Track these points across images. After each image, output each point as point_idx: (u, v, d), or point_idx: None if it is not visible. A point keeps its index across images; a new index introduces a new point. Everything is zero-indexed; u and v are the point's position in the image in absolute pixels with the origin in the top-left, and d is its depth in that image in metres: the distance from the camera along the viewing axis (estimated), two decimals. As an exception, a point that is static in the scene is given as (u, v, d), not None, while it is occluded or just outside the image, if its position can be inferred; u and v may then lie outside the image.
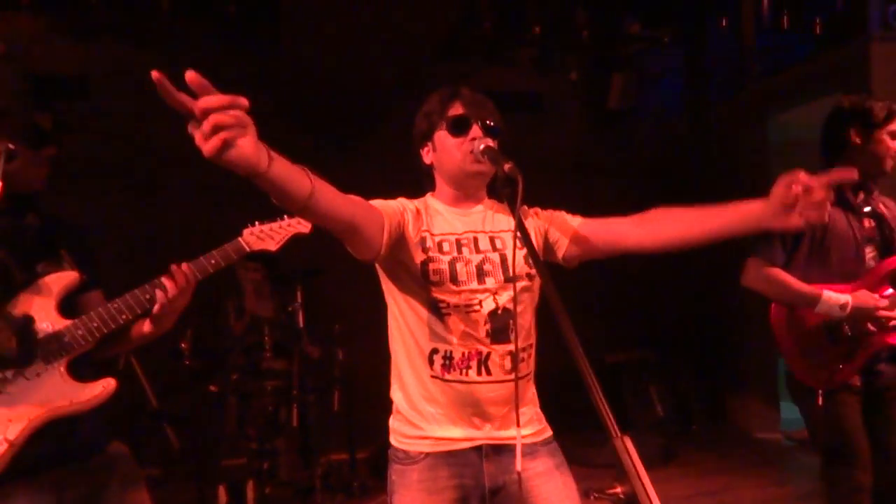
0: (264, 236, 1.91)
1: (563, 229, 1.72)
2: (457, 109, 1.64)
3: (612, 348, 5.41)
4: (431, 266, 1.57)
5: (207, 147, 1.02)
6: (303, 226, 1.98)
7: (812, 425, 2.40)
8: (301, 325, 4.00)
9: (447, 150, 1.64)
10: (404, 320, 1.62)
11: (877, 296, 2.32)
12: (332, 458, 4.41)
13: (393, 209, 1.57)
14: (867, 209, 2.41)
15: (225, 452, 3.91)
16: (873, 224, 2.41)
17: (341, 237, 1.45)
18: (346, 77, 4.66)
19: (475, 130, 1.61)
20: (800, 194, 1.41)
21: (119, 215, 4.85)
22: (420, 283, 1.57)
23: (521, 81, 5.89)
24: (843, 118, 2.43)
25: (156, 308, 1.70)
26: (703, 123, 6.17)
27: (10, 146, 1.50)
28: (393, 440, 1.66)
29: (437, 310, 1.56)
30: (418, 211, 1.64)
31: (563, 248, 1.71)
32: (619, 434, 1.07)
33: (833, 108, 2.49)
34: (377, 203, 1.56)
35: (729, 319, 5.82)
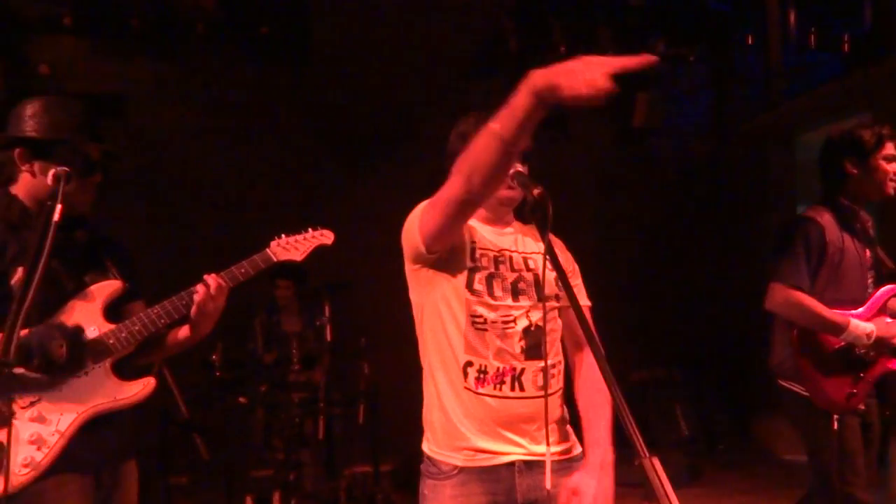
0: (290, 247, 2.01)
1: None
2: None
3: (637, 366, 5.40)
4: (476, 275, 1.61)
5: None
6: (326, 237, 2.08)
7: (817, 447, 2.40)
8: (328, 338, 4.07)
9: None
10: (441, 328, 1.63)
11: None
12: (356, 471, 4.45)
13: None
14: (867, 237, 2.46)
15: (253, 463, 3.98)
16: (869, 252, 2.45)
17: (458, 208, 1.47)
18: (373, 95, 4.77)
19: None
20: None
21: (153, 228, 5.00)
22: (460, 292, 1.60)
23: (545, 99, 5.94)
24: (836, 150, 2.47)
25: (193, 311, 1.80)
26: (729, 142, 6.16)
27: (67, 169, 1.61)
28: (426, 448, 1.67)
29: (473, 323, 1.59)
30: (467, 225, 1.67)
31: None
32: (647, 454, 1.09)
33: (825, 140, 2.53)
34: None
35: (756, 339, 5.74)
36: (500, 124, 1.36)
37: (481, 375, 1.58)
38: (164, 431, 3.75)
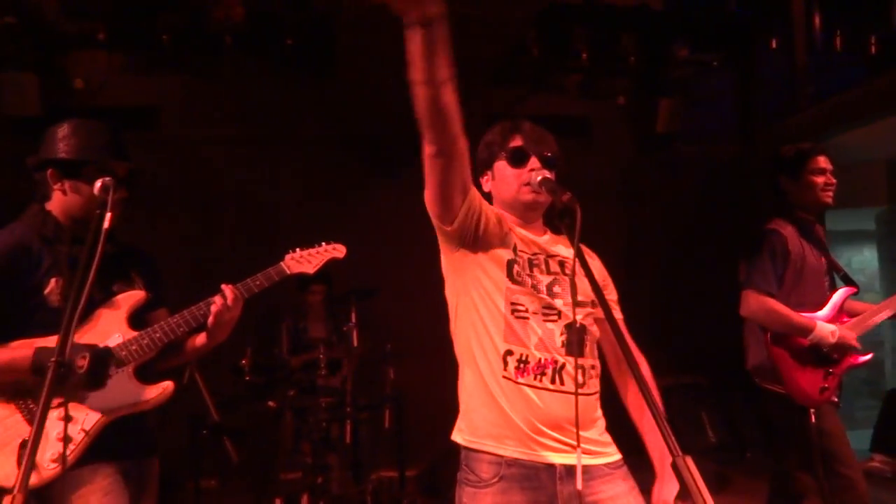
0: (303, 260, 2.12)
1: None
2: (517, 141, 1.71)
3: (663, 373, 5.34)
4: (516, 267, 1.63)
5: None
6: (337, 251, 2.18)
7: (797, 442, 2.54)
8: (355, 344, 4.13)
9: (505, 180, 1.72)
10: (479, 316, 1.63)
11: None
12: (382, 475, 4.49)
13: (479, 195, 1.63)
14: (822, 245, 2.68)
15: (282, 466, 4.04)
16: (824, 259, 2.67)
17: (436, 165, 1.51)
18: (397, 103, 4.83)
19: (533, 162, 1.68)
20: None
21: (183, 236, 5.12)
22: (500, 281, 1.62)
23: (568, 106, 5.97)
24: (774, 169, 2.73)
25: (210, 320, 1.91)
26: (754, 148, 6.11)
27: (112, 179, 1.72)
28: (460, 439, 1.64)
29: (515, 311, 1.61)
30: (501, 216, 1.70)
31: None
32: (680, 453, 1.10)
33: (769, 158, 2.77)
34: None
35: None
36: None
37: (521, 365, 1.58)
38: (195, 435, 3.83)
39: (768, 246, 2.59)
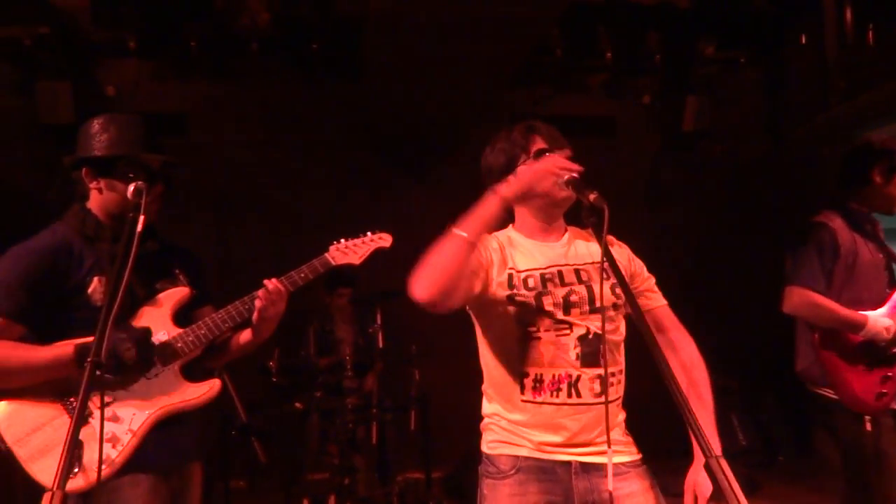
0: (348, 251, 2.07)
1: (647, 297, 1.78)
2: (539, 143, 1.72)
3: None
4: (518, 299, 1.64)
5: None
6: (384, 240, 2.13)
7: (851, 452, 2.40)
8: (381, 345, 4.15)
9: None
10: (494, 347, 1.69)
11: None
12: (408, 477, 4.50)
13: (476, 257, 1.63)
14: (878, 239, 2.51)
15: (309, 467, 4.08)
16: (882, 254, 2.50)
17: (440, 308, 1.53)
18: (422, 106, 4.85)
19: (551, 157, 1.67)
20: None
21: (212, 240, 5.20)
22: (509, 312, 1.64)
23: (593, 106, 5.93)
24: (868, 155, 2.52)
25: (254, 316, 1.88)
26: (784, 145, 6.00)
27: (145, 183, 1.73)
28: (484, 447, 1.71)
29: (526, 336, 1.62)
30: (502, 247, 1.71)
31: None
32: (713, 454, 1.09)
33: (862, 142, 2.59)
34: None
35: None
36: (469, 231, 1.48)
37: (537, 385, 1.61)
38: (224, 436, 3.88)
39: (815, 239, 2.43)
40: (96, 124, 1.85)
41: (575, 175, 1.55)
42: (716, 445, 1.53)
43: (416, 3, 3.69)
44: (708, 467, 1.11)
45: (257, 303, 1.87)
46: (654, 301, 1.80)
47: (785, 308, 2.49)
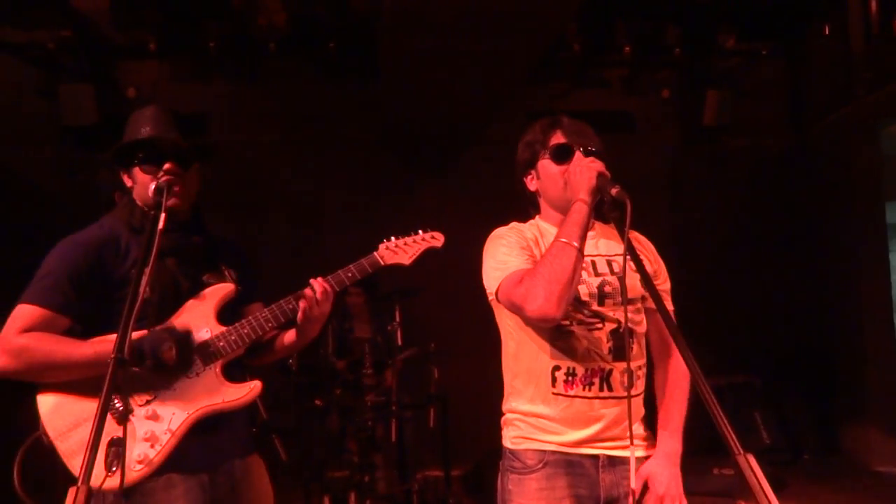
0: (398, 250, 1.97)
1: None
2: (559, 138, 1.70)
3: (714, 372, 5.22)
4: None
5: None
6: (436, 240, 2.01)
7: None
8: (399, 343, 4.16)
9: (551, 178, 1.72)
10: (525, 341, 1.67)
11: None
12: (427, 475, 4.51)
13: (524, 249, 1.66)
14: None
15: (329, 464, 4.09)
16: None
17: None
18: (439, 103, 4.84)
19: (578, 158, 1.67)
20: None
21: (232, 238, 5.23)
22: None
23: (611, 101, 5.88)
24: None
25: (299, 316, 1.82)
26: (808, 139, 5.89)
27: (167, 179, 1.71)
28: (507, 443, 1.69)
29: (560, 328, 1.61)
30: (536, 239, 1.71)
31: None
32: (741, 451, 1.08)
33: None
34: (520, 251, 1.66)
35: (845, 344, 5.47)
36: (573, 240, 1.52)
37: (570, 378, 1.61)
38: (247, 439, 3.91)
39: None
40: (132, 118, 1.83)
41: (616, 189, 1.55)
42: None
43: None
44: (737, 464, 1.09)
45: (302, 303, 1.81)
46: (667, 306, 1.79)
47: None
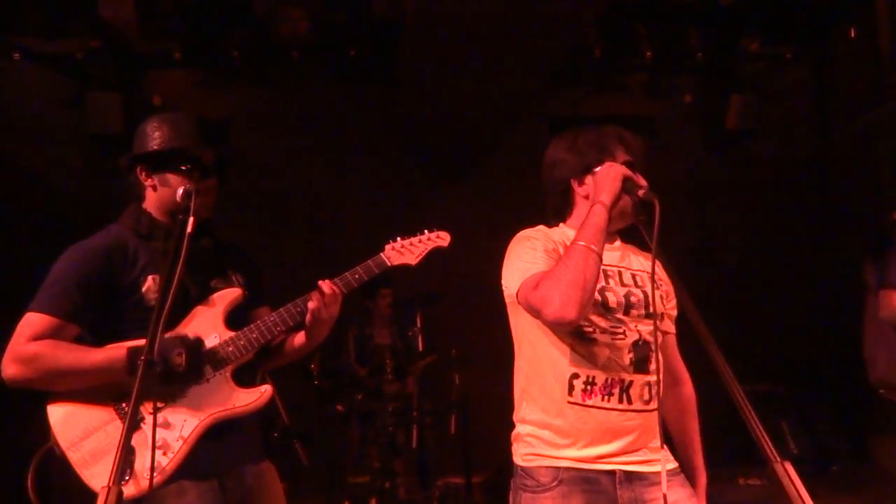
0: (405, 251, 1.98)
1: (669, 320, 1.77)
2: (627, 156, 1.69)
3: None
4: None
5: None
6: (441, 239, 2.02)
7: None
8: (420, 349, 4.16)
9: None
10: (543, 346, 1.63)
11: None
12: (448, 482, 4.49)
13: (550, 253, 1.64)
14: None
15: (350, 470, 4.10)
16: None
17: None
18: (460, 108, 4.86)
19: (639, 176, 1.65)
20: None
21: (255, 244, 5.28)
22: None
23: (632, 106, 5.84)
24: None
25: (307, 318, 1.83)
26: (834, 143, 5.79)
27: (191, 186, 1.72)
28: (519, 461, 1.64)
29: (581, 334, 1.58)
30: (562, 244, 1.68)
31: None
32: (779, 459, 1.07)
33: None
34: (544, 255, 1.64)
35: (871, 351, 5.35)
36: (592, 243, 1.50)
37: (588, 387, 1.57)
38: (266, 438, 3.94)
39: None
40: (150, 124, 1.85)
41: (643, 190, 1.55)
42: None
43: (453, 5, 3.69)
44: (774, 472, 1.07)
45: (310, 305, 1.82)
46: (671, 328, 1.78)
47: (882, 312, 2.35)
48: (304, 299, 1.84)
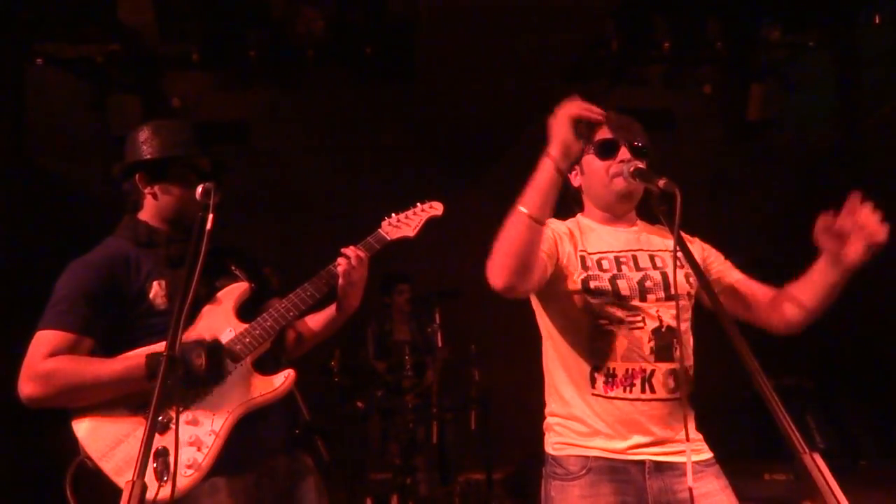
0: (401, 224, 2.05)
1: (722, 274, 1.73)
2: (604, 133, 1.67)
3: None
4: (593, 283, 1.59)
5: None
6: (435, 209, 2.11)
7: None
8: (440, 345, 4.16)
9: (595, 174, 1.68)
10: (563, 341, 1.63)
11: None
12: (469, 478, 4.49)
13: (548, 239, 1.59)
14: None
15: (371, 466, 4.12)
16: None
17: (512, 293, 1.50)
18: (476, 104, 4.84)
19: (623, 153, 1.63)
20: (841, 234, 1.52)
21: (271, 241, 5.33)
22: (581, 301, 1.59)
23: (651, 98, 5.77)
24: None
25: (340, 281, 1.87)
26: (857, 132, 5.68)
27: (210, 184, 1.70)
28: (550, 449, 1.65)
29: (598, 327, 1.57)
30: (571, 232, 1.67)
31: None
32: (807, 450, 1.05)
33: None
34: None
35: (899, 344, 5.25)
36: (529, 205, 1.41)
37: (609, 379, 1.56)
38: (287, 434, 3.96)
39: None
40: (145, 131, 1.84)
41: (599, 118, 1.51)
42: None
43: (467, 1, 3.68)
44: (802, 464, 1.05)
45: (341, 268, 1.84)
46: (737, 274, 1.76)
47: None
48: (319, 277, 1.87)
